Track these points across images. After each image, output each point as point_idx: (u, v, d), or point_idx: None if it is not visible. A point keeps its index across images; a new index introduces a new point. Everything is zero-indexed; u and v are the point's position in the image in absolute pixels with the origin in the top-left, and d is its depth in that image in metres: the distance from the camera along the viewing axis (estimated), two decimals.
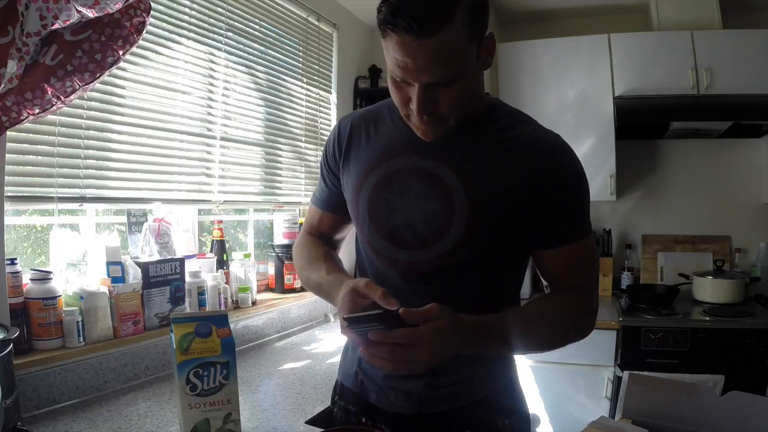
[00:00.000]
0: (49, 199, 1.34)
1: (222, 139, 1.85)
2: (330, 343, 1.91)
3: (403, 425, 0.97)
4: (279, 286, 2.11)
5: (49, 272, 1.29)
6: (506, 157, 0.90)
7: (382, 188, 0.94)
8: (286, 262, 2.10)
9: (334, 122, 2.46)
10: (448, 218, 0.89)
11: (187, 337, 0.88)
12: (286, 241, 2.13)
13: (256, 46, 2.00)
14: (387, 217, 0.93)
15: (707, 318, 2.28)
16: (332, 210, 1.09)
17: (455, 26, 0.74)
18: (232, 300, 1.85)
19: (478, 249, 0.91)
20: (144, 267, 1.48)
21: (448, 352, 0.80)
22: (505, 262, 0.96)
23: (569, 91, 2.76)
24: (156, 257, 1.55)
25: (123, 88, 1.50)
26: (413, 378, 0.95)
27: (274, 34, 2.10)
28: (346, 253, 1.16)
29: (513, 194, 0.88)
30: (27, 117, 1.12)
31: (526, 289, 2.79)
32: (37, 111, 1.13)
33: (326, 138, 2.54)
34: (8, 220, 1.30)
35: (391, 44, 0.78)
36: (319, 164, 1.11)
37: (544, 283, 1.02)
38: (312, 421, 1.24)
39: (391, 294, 0.88)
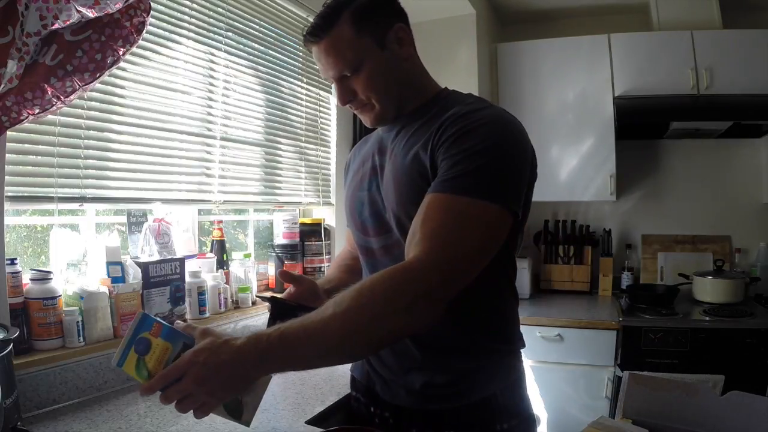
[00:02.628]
0: (49, 199, 1.34)
1: (222, 139, 1.85)
2: None
3: (403, 417, 1.02)
4: (279, 286, 2.11)
5: (49, 272, 1.29)
6: (427, 134, 0.93)
7: (357, 189, 1.08)
8: (286, 262, 2.10)
9: (333, 122, 2.46)
10: (388, 201, 0.98)
11: (139, 365, 0.79)
12: (286, 241, 2.13)
13: (256, 46, 2.00)
14: (359, 212, 1.06)
15: (707, 318, 2.28)
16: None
17: (340, 27, 0.94)
18: (232, 300, 1.86)
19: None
20: (144, 267, 1.48)
21: (221, 375, 0.73)
22: None
23: (569, 91, 2.76)
24: (156, 257, 1.55)
25: (123, 88, 1.50)
26: (413, 373, 0.99)
27: (274, 34, 2.10)
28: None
29: (417, 161, 0.92)
30: (27, 117, 1.12)
31: (525, 289, 2.79)
32: (37, 111, 1.13)
33: (326, 137, 2.55)
34: (8, 220, 1.30)
35: (313, 57, 1.00)
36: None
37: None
38: (320, 416, 1.25)
39: None
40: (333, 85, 1.02)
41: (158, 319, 0.81)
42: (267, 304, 0.99)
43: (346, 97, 1.00)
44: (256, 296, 0.80)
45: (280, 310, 0.95)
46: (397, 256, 0.96)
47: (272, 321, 0.93)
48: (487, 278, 0.86)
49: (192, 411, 0.77)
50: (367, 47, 0.95)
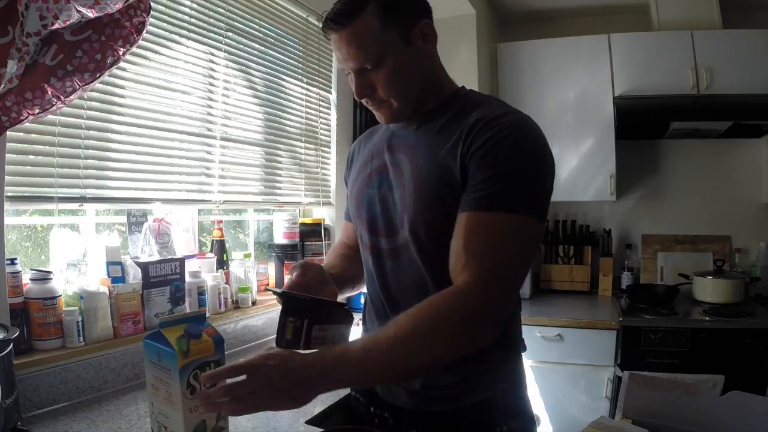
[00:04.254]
0: (49, 199, 1.34)
1: (222, 139, 1.85)
2: None
3: (403, 418, 1.01)
4: (279, 286, 2.11)
5: (49, 272, 1.29)
6: (450, 136, 0.92)
7: (365, 186, 1.05)
8: (286, 262, 2.10)
9: (333, 122, 2.46)
10: (403, 202, 0.95)
11: (182, 340, 0.87)
12: (286, 241, 2.13)
13: (256, 46, 2.00)
14: (368, 210, 1.03)
15: (707, 318, 2.28)
16: (351, 220, 1.20)
17: (366, 17, 0.89)
18: (232, 300, 1.85)
19: (429, 226, 0.91)
20: (144, 267, 1.48)
21: (288, 381, 0.74)
22: None
23: (569, 91, 2.76)
24: (156, 257, 1.55)
25: (123, 88, 1.50)
26: None
27: (274, 34, 2.10)
28: None
29: (444, 167, 0.90)
30: (27, 117, 1.12)
31: (525, 289, 2.79)
32: (37, 111, 1.13)
33: (326, 137, 2.54)
34: (8, 220, 1.30)
35: (331, 45, 0.94)
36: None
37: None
38: (320, 416, 1.25)
39: (380, 285, 1.02)
40: (350, 77, 0.96)
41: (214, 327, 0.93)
42: (280, 297, 0.93)
43: (364, 91, 0.94)
44: (267, 289, 0.78)
45: (291, 304, 0.90)
46: (406, 260, 0.95)
47: (284, 316, 0.88)
48: None
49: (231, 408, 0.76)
50: (392, 41, 0.91)
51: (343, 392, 1.33)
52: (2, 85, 0.99)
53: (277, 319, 0.89)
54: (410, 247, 0.95)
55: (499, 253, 0.81)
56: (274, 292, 0.95)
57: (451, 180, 0.88)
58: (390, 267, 0.99)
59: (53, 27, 1.06)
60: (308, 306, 0.83)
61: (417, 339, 0.78)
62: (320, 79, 2.36)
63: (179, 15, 1.66)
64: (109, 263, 1.42)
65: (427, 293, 0.87)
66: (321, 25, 0.93)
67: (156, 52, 1.59)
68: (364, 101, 0.97)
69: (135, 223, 1.56)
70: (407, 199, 0.94)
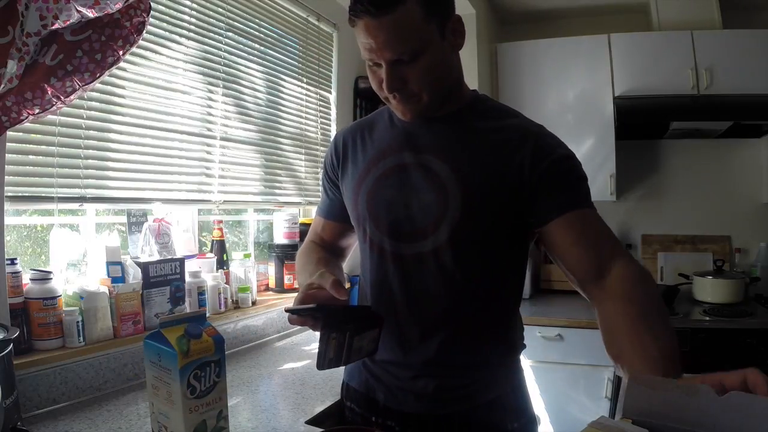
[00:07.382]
0: (49, 199, 1.34)
1: (222, 139, 1.85)
2: None
3: (411, 424, 0.98)
4: (279, 286, 2.11)
5: (49, 272, 1.29)
6: (495, 146, 0.93)
7: (379, 185, 0.97)
8: (286, 262, 2.10)
9: (334, 122, 2.46)
10: (443, 206, 0.91)
11: (182, 340, 0.87)
12: (286, 241, 2.13)
13: (256, 46, 2.00)
14: (387, 211, 0.96)
15: (707, 318, 2.28)
16: (334, 218, 1.14)
17: (409, 5, 0.83)
18: (232, 300, 1.85)
19: (473, 235, 0.92)
20: (144, 267, 1.48)
21: None
22: (502, 253, 0.96)
23: (569, 91, 2.76)
24: (156, 257, 1.55)
25: (123, 88, 1.50)
26: (423, 379, 0.97)
27: (274, 34, 2.10)
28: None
29: (502, 180, 0.90)
30: (27, 117, 1.12)
31: (525, 289, 2.79)
32: (37, 111, 1.13)
33: (326, 137, 2.54)
34: (8, 220, 1.30)
35: (358, 30, 0.87)
36: (320, 173, 1.16)
37: (575, 285, 0.93)
38: (320, 416, 1.24)
39: (394, 291, 0.96)
40: (372, 69, 0.91)
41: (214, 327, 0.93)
42: (314, 313, 0.83)
43: (395, 84, 0.88)
44: (287, 310, 0.72)
45: (331, 318, 0.82)
46: (436, 265, 0.93)
47: (326, 332, 0.79)
48: (508, 286, 0.96)
49: None
50: (431, 34, 0.87)
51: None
52: (2, 85, 0.99)
53: (277, 319, 0.87)
54: (443, 253, 0.92)
55: (609, 235, 0.93)
56: (300, 310, 0.83)
57: (505, 188, 0.90)
58: (414, 272, 0.94)
59: (53, 27, 1.06)
60: (344, 316, 0.78)
61: (651, 317, 0.83)
62: (320, 80, 2.36)
63: (179, 15, 1.66)
64: (109, 263, 1.42)
65: (453, 295, 0.92)
66: (350, 9, 0.86)
67: (156, 52, 1.58)
68: (392, 96, 0.91)
69: (135, 223, 1.56)
70: (451, 204, 0.90)
